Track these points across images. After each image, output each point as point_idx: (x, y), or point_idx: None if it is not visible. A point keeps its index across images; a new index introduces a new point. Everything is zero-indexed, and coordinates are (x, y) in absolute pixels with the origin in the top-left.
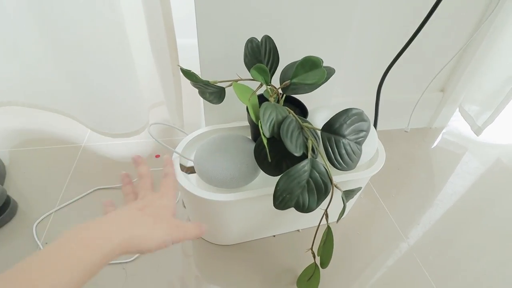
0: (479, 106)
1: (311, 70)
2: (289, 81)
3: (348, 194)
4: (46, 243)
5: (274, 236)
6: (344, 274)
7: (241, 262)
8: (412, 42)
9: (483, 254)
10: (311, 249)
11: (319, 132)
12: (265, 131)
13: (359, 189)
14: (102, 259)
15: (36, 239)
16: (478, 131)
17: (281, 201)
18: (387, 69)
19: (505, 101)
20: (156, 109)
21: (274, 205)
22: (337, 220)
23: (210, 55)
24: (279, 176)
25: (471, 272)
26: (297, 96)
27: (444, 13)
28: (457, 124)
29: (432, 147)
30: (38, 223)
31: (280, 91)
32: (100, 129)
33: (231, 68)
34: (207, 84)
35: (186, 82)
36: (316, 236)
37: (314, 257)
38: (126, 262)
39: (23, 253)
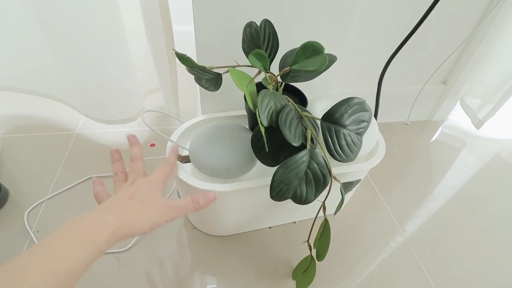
0: (481, 99)
1: (312, 56)
2: (288, 67)
3: (346, 186)
4: (38, 231)
5: (270, 227)
6: (340, 266)
7: (237, 253)
8: (415, 33)
9: (480, 248)
10: (308, 241)
11: (318, 122)
12: (263, 119)
13: (358, 181)
14: (100, 247)
15: (27, 227)
16: (478, 124)
17: (278, 192)
18: (388, 60)
19: (507, 94)
20: (151, 96)
21: (270, 196)
22: (335, 213)
23: (207, 39)
24: (277, 167)
25: (467, 266)
26: (296, 85)
27: (448, 4)
28: (457, 117)
29: (432, 140)
30: (30, 211)
31: (279, 78)
32: (94, 115)
33: (229, 53)
34: (203, 70)
35: (182, 69)
36: (313, 228)
37: (311, 249)
38: (119, 252)
39: (14, 241)
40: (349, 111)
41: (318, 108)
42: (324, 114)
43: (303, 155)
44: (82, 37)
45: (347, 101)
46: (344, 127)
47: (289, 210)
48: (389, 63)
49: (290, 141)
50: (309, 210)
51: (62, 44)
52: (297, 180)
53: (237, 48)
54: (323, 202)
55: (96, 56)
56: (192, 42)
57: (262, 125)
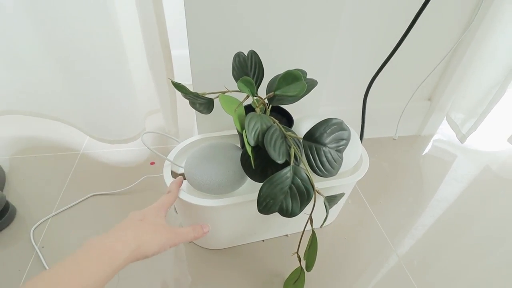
0: (464, 114)
1: (292, 83)
2: (273, 93)
3: (331, 200)
4: (43, 247)
5: (263, 240)
6: (330, 278)
7: (231, 266)
8: (398, 51)
9: (472, 262)
10: (297, 253)
11: (301, 141)
12: (250, 139)
13: (342, 195)
14: (120, 265)
15: (33, 243)
16: (462, 138)
17: (264, 206)
18: (372, 78)
19: (487, 109)
20: (152, 116)
21: (258, 210)
22: (321, 225)
23: (201, 67)
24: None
25: (459, 279)
26: (285, 106)
27: (429, 21)
28: (446, 131)
29: (421, 154)
30: (36, 227)
31: (266, 101)
32: (97, 135)
33: (221, 80)
34: (196, 95)
35: None
36: (302, 240)
37: (300, 260)
38: None
39: (21, 256)
40: (328, 131)
41: (303, 127)
42: (305, 134)
43: (287, 171)
44: (88, 64)
45: (325, 122)
46: (324, 145)
47: (280, 224)
48: (373, 81)
49: (274, 159)
50: (300, 223)
51: (69, 70)
52: (282, 194)
53: (229, 75)
54: (310, 215)
55: (100, 80)
56: (189, 65)
57: (249, 144)
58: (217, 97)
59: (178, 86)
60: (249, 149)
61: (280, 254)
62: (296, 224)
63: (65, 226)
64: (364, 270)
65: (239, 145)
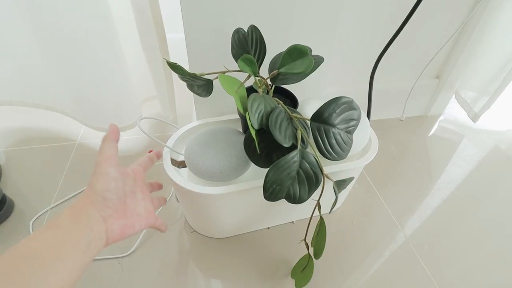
0: (476, 92)
1: (298, 59)
2: (276, 71)
3: (340, 184)
4: None
5: (268, 228)
6: (338, 264)
7: (236, 254)
8: (405, 28)
9: (480, 243)
10: (305, 240)
11: (309, 123)
12: (254, 122)
13: (351, 179)
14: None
15: None
16: (475, 117)
17: (271, 192)
18: (378, 57)
19: (501, 86)
20: (149, 103)
21: (264, 197)
22: (330, 211)
23: (198, 46)
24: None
25: (468, 260)
26: (289, 87)
27: None
28: (453, 111)
29: (428, 135)
30: (34, 220)
31: (268, 81)
32: (93, 124)
33: (220, 59)
34: (194, 77)
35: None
36: (309, 227)
37: (308, 248)
38: (122, 257)
39: None
40: (338, 111)
41: (309, 109)
42: (313, 115)
43: (294, 155)
44: (79, 50)
45: (335, 101)
46: (333, 126)
47: (286, 210)
48: (379, 60)
49: (280, 142)
50: (306, 210)
51: (61, 57)
52: (289, 180)
53: (227, 53)
54: (318, 201)
55: (93, 67)
56: (185, 49)
57: (253, 127)
58: (216, 77)
59: (174, 67)
60: (253, 132)
61: (286, 241)
62: (302, 210)
63: None
64: (374, 255)
65: (240, 130)
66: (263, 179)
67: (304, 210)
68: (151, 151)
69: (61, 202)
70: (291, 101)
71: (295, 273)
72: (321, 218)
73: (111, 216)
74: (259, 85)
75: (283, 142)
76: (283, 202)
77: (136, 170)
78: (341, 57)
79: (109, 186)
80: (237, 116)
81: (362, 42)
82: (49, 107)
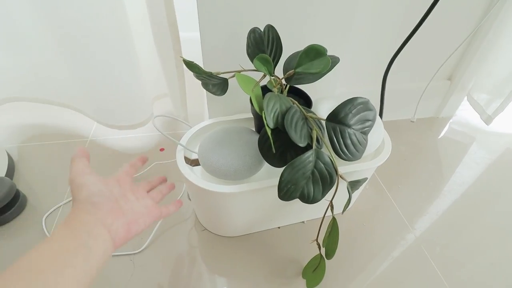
0: (489, 95)
1: (315, 59)
2: (293, 70)
3: (353, 185)
4: None
5: (279, 227)
6: (349, 265)
7: (246, 253)
8: (418, 29)
9: (491, 245)
10: (316, 240)
11: (323, 123)
12: (269, 121)
13: (365, 179)
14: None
15: (46, 231)
16: (488, 120)
17: (285, 192)
18: (392, 58)
19: None
20: (160, 101)
21: (278, 196)
22: (343, 211)
23: (213, 45)
24: (283, 168)
25: (479, 263)
26: (301, 87)
27: None
28: (465, 113)
29: (439, 137)
30: (47, 216)
31: (283, 81)
32: (105, 121)
33: (234, 59)
34: (210, 75)
35: (189, 74)
36: (321, 227)
37: (320, 248)
38: (133, 254)
39: (33, 245)
40: (353, 111)
41: (322, 108)
42: (329, 115)
43: (309, 155)
44: (93, 47)
45: (351, 101)
46: (349, 126)
47: (297, 210)
48: (393, 61)
49: (296, 142)
50: (317, 210)
51: (74, 54)
52: (304, 179)
53: (242, 53)
54: (331, 201)
55: (106, 63)
56: (199, 49)
57: (268, 127)
58: (232, 76)
59: (190, 65)
60: (268, 132)
61: (297, 241)
62: (313, 210)
63: None
64: (384, 256)
65: (253, 129)
66: (276, 178)
67: (316, 210)
68: (162, 149)
69: None
70: (305, 101)
71: (306, 273)
72: (334, 218)
73: (108, 217)
74: (274, 85)
75: (299, 141)
76: (295, 201)
77: (118, 177)
78: (353, 57)
79: (93, 191)
80: (250, 115)
81: (375, 42)
82: (62, 103)
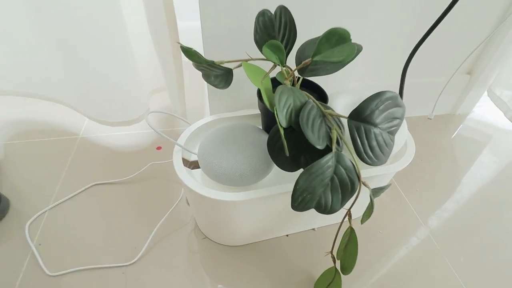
0: None
1: (337, 45)
2: (309, 59)
3: (376, 192)
4: (40, 245)
5: (287, 235)
6: (367, 279)
7: (251, 264)
8: (442, 20)
9: None
10: (331, 252)
11: (343, 121)
12: (282, 120)
13: (387, 186)
14: None
15: (29, 240)
16: None
17: (300, 202)
18: (413, 51)
19: None
20: (157, 95)
21: (292, 207)
22: (362, 221)
23: (215, 31)
24: (295, 172)
25: (507, 274)
26: (313, 80)
27: None
28: (482, 110)
29: (457, 135)
30: (31, 222)
31: (296, 73)
32: (97, 117)
33: (240, 46)
34: (211, 65)
35: (188, 66)
36: (336, 237)
37: (334, 261)
38: (125, 266)
39: (15, 255)
40: (381, 107)
41: (338, 104)
42: (352, 112)
43: (328, 159)
44: (83, 38)
45: (378, 96)
46: (375, 125)
47: (308, 217)
48: (414, 54)
49: (314, 144)
50: (330, 216)
51: (63, 45)
52: (322, 187)
53: (248, 40)
54: (349, 210)
55: (97, 54)
56: (199, 39)
57: (281, 126)
58: (237, 66)
59: (189, 53)
60: (281, 131)
61: (307, 250)
62: (326, 216)
63: (64, 220)
64: (407, 269)
65: (260, 127)
66: (288, 184)
67: (328, 216)
68: (159, 147)
69: (61, 202)
70: (319, 96)
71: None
72: (352, 229)
73: None
74: (286, 77)
75: (316, 143)
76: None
77: None
78: (368, 48)
79: None
80: (256, 111)
81: (389, 35)
82: (50, 98)
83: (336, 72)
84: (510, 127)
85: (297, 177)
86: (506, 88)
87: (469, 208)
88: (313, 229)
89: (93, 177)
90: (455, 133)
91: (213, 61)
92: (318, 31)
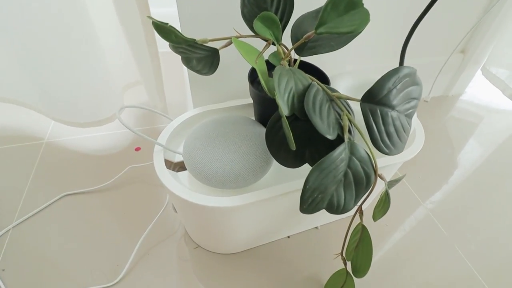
0: (510, 69)
1: (346, 13)
2: (312, 32)
3: (391, 185)
4: (3, 270)
5: (288, 237)
6: (381, 278)
7: (251, 272)
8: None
9: None
10: (341, 254)
11: (353, 105)
12: (283, 106)
13: (402, 177)
14: None
15: None
16: None
17: (310, 203)
18: (411, 30)
19: None
20: (133, 91)
21: (300, 210)
22: (375, 218)
23: (193, 5)
24: (300, 168)
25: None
26: (311, 60)
27: None
28: (474, 90)
29: (451, 116)
30: None
31: (293, 54)
32: (63, 118)
33: (224, 23)
34: (192, 45)
35: (166, 55)
36: (336, 234)
37: (345, 263)
38: (108, 287)
39: None
40: (399, 86)
41: (341, 87)
42: (365, 93)
43: (341, 151)
44: (41, 28)
45: (395, 73)
46: (393, 108)
47: (312, 215)
48: (411, 35)
49: (323, 133)
50: None
51: (19, 38)
52: (335, 184)
53: (235, 15)
54: (360, 206)
55: (60, 47)
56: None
57: (283, 114)
58: (224, 46)
59: (164, 30)
60: (285, 122)
61: (311, 251)
62: (329, 213)
63: (31, 239)
64: (422, 263)
65: (253, 118)
66: (290, 182)
67: None
68: (138, 148)
69: (27, 218)
70: (319, 78)
71: None
72: (363, 227)
73: None
74: (283, 56)
75: (327, 132)
76: None
77: None
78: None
79: None
80: (246, 101)
81: (384, 16)
82: (7, 99)
83: (330, 56)
84: (503, 106)
85: (299, 173)
86: (501, 67)
87: (476, 193)
88: (316, 227)
89: (63, 186)
90: (450, 115)
91: (195, 40)
92: (312, 5)
